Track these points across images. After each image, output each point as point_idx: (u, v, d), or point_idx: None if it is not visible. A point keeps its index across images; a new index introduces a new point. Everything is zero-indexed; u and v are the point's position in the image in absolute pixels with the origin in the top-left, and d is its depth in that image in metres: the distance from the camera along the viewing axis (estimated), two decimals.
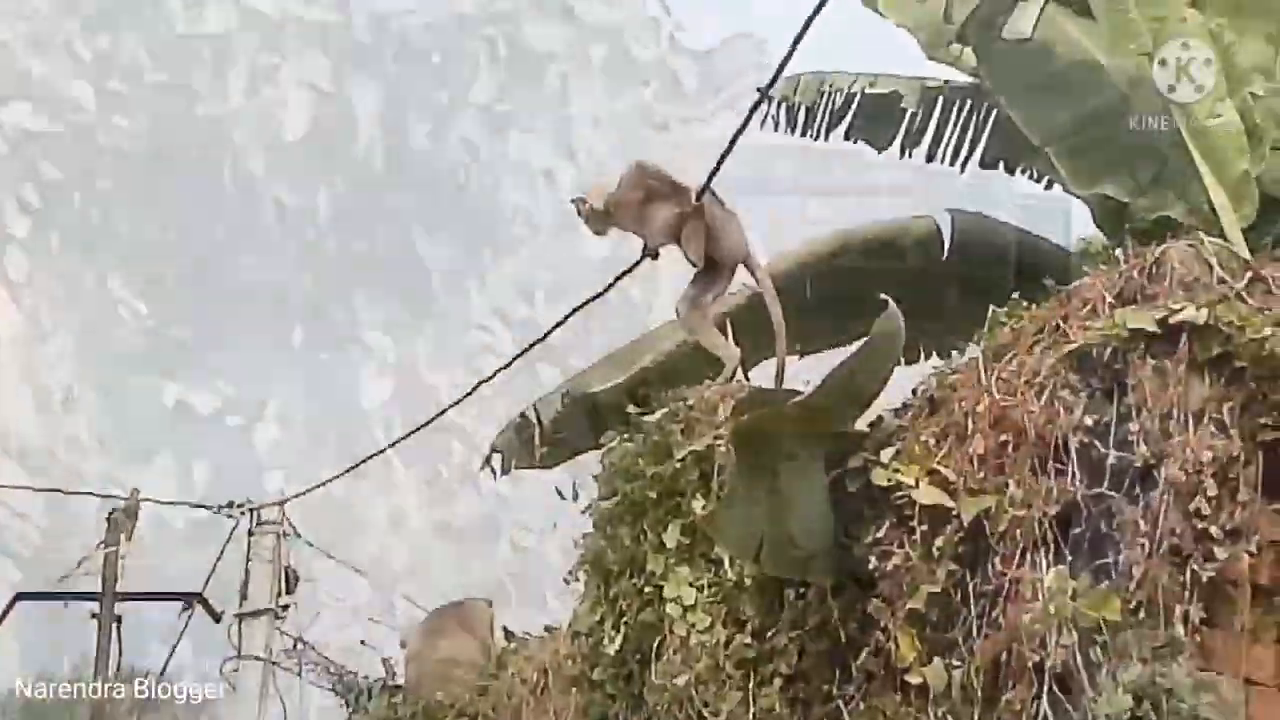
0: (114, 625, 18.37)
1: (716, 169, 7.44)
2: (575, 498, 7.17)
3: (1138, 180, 9.28)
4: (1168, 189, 9.16)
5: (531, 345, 9.30)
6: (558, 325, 8.82)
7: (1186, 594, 4.81)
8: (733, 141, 7.27)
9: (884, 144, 11.53)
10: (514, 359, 9.55)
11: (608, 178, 7.89)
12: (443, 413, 10.79)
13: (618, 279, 8.26)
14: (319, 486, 14.14)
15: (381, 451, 12.54)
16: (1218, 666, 4.85)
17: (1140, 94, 9.39)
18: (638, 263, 7.97)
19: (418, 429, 11.47)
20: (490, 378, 9.98)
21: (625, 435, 6.99)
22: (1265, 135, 8.92)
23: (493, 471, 11.90)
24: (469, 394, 10.28)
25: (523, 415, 11.47)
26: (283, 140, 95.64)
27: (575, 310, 8.59)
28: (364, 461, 12.91)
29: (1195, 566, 4.82)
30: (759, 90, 11.86)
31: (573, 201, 7.88)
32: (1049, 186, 11.09)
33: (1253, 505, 4.89)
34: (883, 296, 5.62)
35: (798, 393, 5.86)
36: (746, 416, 5.69)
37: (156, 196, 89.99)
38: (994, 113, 11.00)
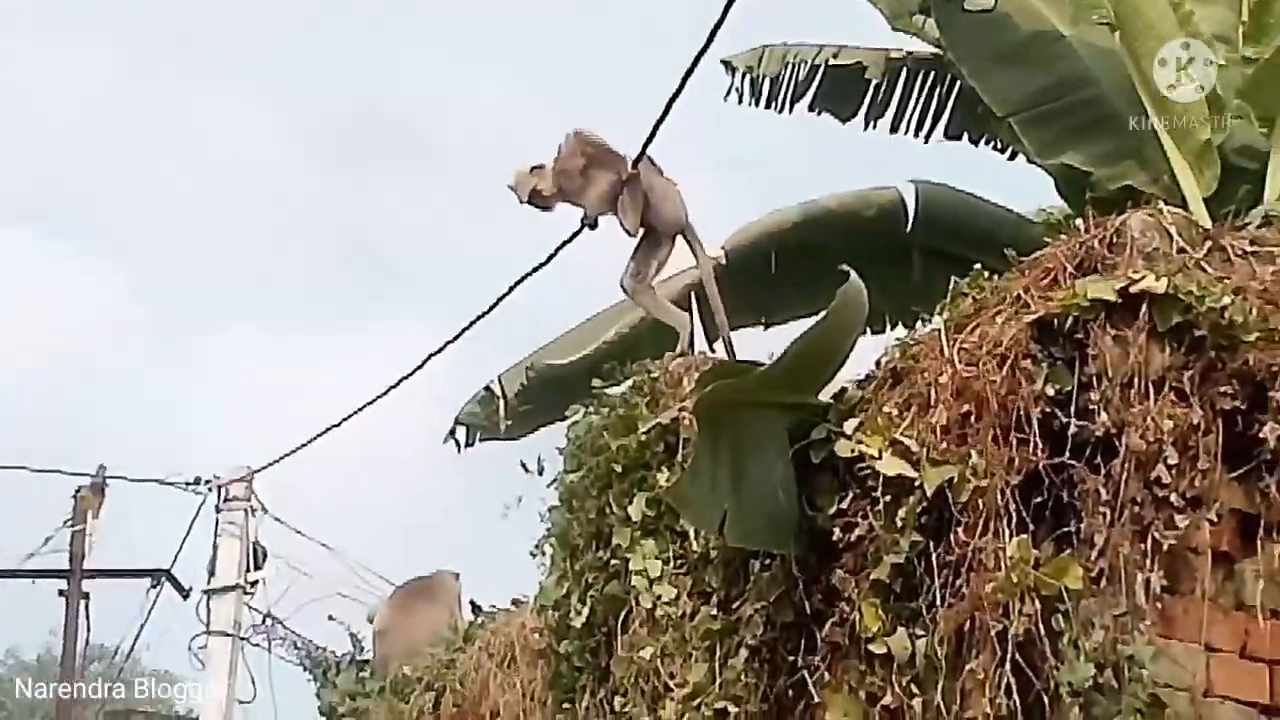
0: (82, 601, 18.36)
1: (653, 134, 7.34)
2: (540, 471, 7.17)
3: (1100, 150, 9.30)
4: (1130, 158, 9.19)
5: (476, 319, 9.25)
6: (501, 299, 8.79)
7: (1148, 562, 4.84)
8: (668, 106, 7.18)
9: (848, 115, 11.54)
10: (460, 332, 9.51)
11: (526, 162, 7.79)
12: (394, 386, 10.74)
13: (557, 250, 8.20)
14: (285, 457, 14.07)
15: (340, 424, 12.43)
16: (1179, 634, 4.89)
17: (1101, 64, 9.41)
18: (576, 233, 7.92)
19: (374, 400, 11.39)
20: (438, 351, 9.96)
21: (590, 408, 6.99)
22: (1227, 104, 8.93)
23: (457, 443, 11.91)
24: (419, 367, 10.24)
25: (487, 388, 11.49)
26: None
27: (518, 283, 8.56)
28: (324, 433, 12.81)
29: (1156, 535, 4.85)
30: (723, 62, 11.90)
31: (509, 187, 7.79)
32: (1013, 157, 11.12)
33: (1213, 473, 4.93)
34: (843, 268, 5.62)
35: (761, 364, 5.86)
36: (710, 388, 5.68)
37: None
38: (957, 84, 11.02)
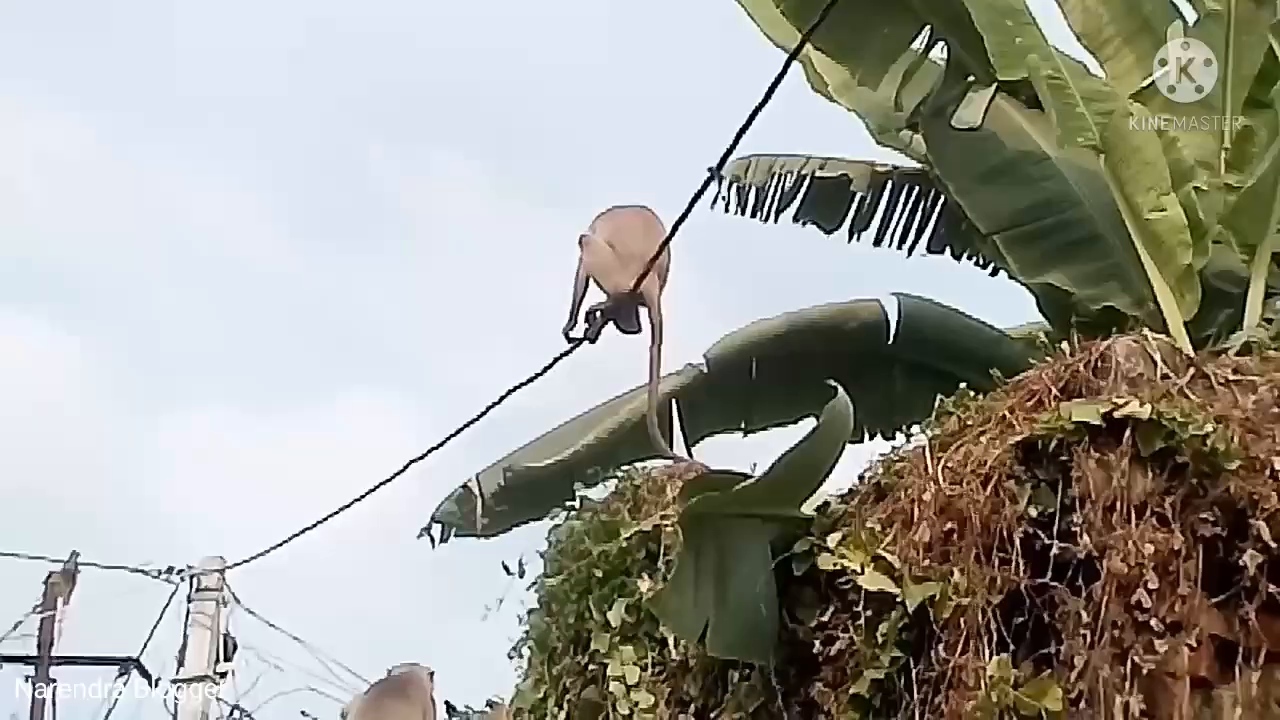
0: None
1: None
2: (521, 574, 7.18)
3: (1082, 271, 9.37)
4: (1112, 280, 9.24)
5: (469, 423, 9.27)
6: (494, 405, 8.81)
7: (1127, 685, 4.88)
8: (682, 218, 7.30)
9: (833, 226, 11.60)
10: (450, 436, 9.53)
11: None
12: (376, 488, 10.76)
13: (555, 360, 8.23)
14: (259, 556, 14.05)
15: (317, 524, 12.42)
16: None
17: (1086, 186, 9.50)
18: (574, 346, 8.00)
19: (353, 502, 11.40)
20: (423, 456, 9.99)
21: (571, 512, 7.01)
22: (1208, 229, 9.01)
23: (431, 540, 11.90)
24: (402, 470, 10.27)
25: (464, 486, 11.49)
26: None
27: (514, 389, 8.59)
28: (301, 533, 12.79)
29: (1136, 658, 4.89)
30: (709, 170, 12.00)
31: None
32: (994, 273, 11.18)
33: (1193, 599, 4.97)
34: (831, 383, 5.67)
35: (746, 475, 5.91)
36: (695, 499, 5.72)
37: None
38: (942, 199, 11.10)
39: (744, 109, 6.62)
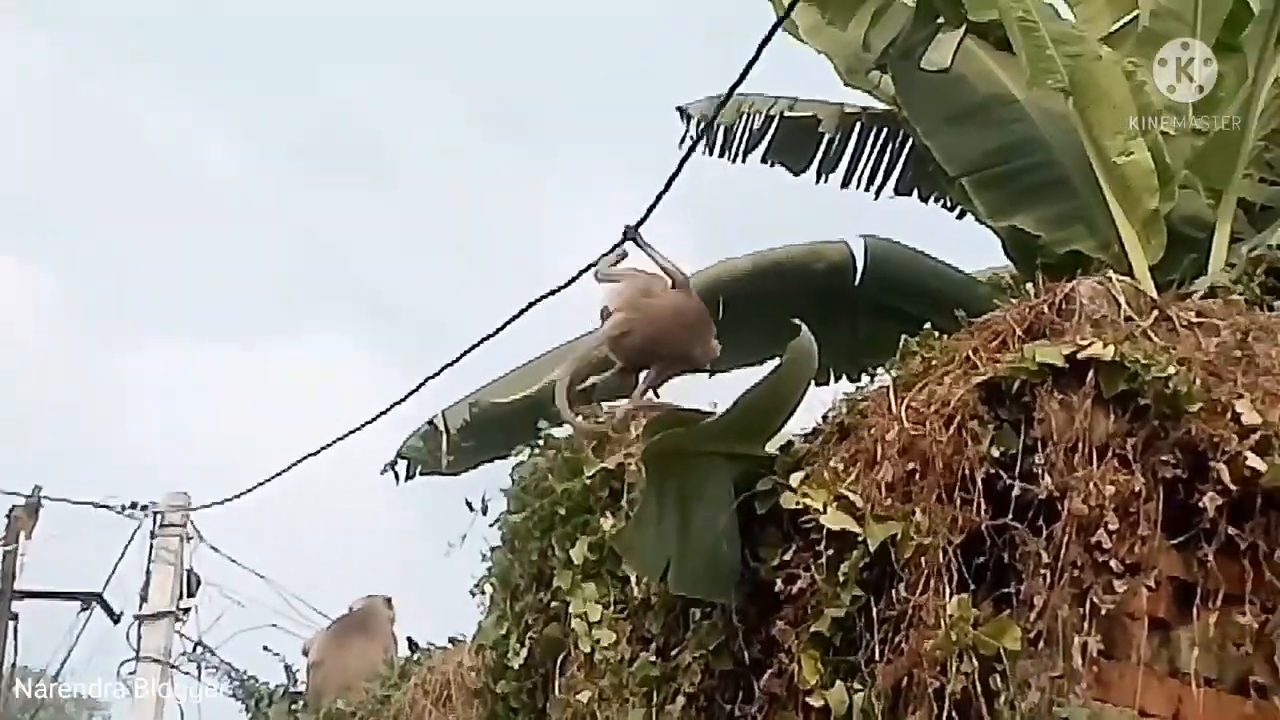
0: (11, 622, 18.18)
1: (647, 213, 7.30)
2: (485, 511, 7.18)
3: (1049, 214, 9.39)
4: (1078, 224, 9.27)
5: (462, 355, 9.27)
6: (487, 338, 8.81)
7: (1085, 625, 4.89)
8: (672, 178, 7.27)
9: (801, 168, 11.62)
10: (441, 369, 9.54)
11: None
12: (362, 427, 10.78)
13: (546, 294, 8.18)
14: (227, 501, 14.08)
15: (289, 469, 12.44)
16: (1113, 698, 4.93)
17: (1054, 129, 9.51)
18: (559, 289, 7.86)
19: (331, 443, 11.43)
20: (415, 390, 10.01)
21: (535, 450, 7.01)
22: (1175, 174, 9.04)
23: (396, 476, 11.91)
24: (383, 413, 10.28)
25: (430, 422, 11.49)
26: None
27: (500, 328, 8.58)
28: (271, 480, 12.82)
29: (1095, 599, 4.90)
30: (678, 110, 11.98)
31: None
32: (961, 215, 11.21)
33: (1152, 540, 4.98)
34: (795, 321, 5.67)
35: (709, 413, 5.90)
36: (659, 436, 5.72)
37: None
38: (910, 141, 11.11)
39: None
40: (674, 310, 7.02)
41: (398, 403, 10.24)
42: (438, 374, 9.49)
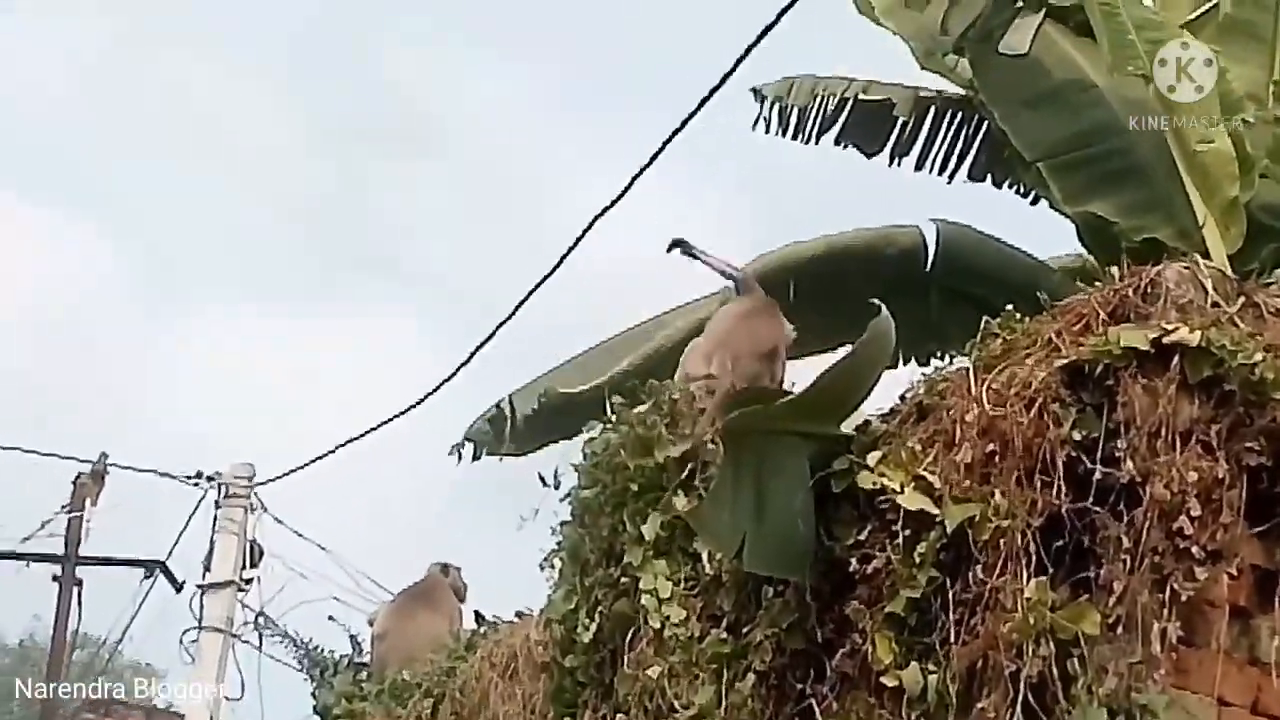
0: (75, 588, 18.33)
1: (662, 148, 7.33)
2: (556, 485, 7.18)
3: (1127, 200, 9.32)
4: (1157, 211, 9.20)
5: (498, 328, 9.33)
6: (520, 306, 8.85)
7: (1165, 612, 4.85)
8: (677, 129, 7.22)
9: (874, 150, 11.57)
10: (483, 343, 9.60)
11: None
12: (420, 401, 10.83)
13: (570, 250, 8.22)
14: (292, 472, 14.16)
15: (358, 438, 12.52)
16: (1192, 685, 4.91)
17: (1135, 115, 9.44)
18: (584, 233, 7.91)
19: (396, 415, 11.50)
20: (465, 363, 10.05)
21: (608, 425, 7.00)
22: (1255, 162, 8.96)
23: (459, 457, 11.94)
24: (448, 379, 10.33)
25: (497, 406, 11.51)
26: None
27: (538, 285, 8.61)
28: (339, 448, 12.90)
29: (1175, 585, 4.86)
30: (752, 90, 11.94)
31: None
32: (1035, 201, 11.14)
33: (1234, 528, 4.94)
34: (873, 301, 5.65)
35: (788, 392, 5.89)
36: (737, 414, 5.71)
37: None
38: (985, 125, 11.04)
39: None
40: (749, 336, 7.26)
41: (445, 381, 10.30)
42: (487, 340, 9.50)
